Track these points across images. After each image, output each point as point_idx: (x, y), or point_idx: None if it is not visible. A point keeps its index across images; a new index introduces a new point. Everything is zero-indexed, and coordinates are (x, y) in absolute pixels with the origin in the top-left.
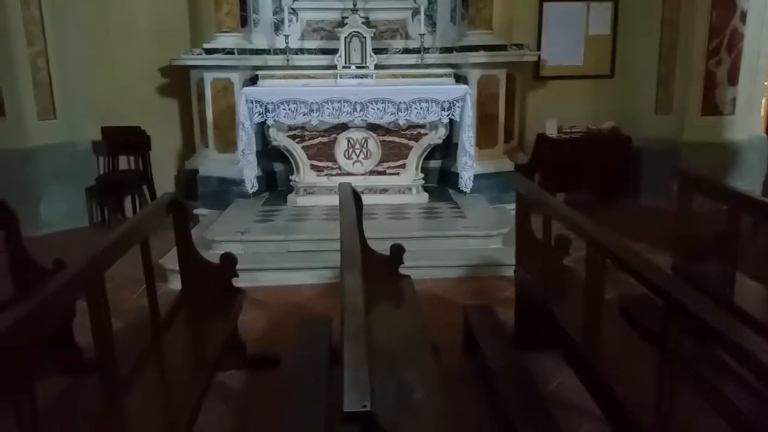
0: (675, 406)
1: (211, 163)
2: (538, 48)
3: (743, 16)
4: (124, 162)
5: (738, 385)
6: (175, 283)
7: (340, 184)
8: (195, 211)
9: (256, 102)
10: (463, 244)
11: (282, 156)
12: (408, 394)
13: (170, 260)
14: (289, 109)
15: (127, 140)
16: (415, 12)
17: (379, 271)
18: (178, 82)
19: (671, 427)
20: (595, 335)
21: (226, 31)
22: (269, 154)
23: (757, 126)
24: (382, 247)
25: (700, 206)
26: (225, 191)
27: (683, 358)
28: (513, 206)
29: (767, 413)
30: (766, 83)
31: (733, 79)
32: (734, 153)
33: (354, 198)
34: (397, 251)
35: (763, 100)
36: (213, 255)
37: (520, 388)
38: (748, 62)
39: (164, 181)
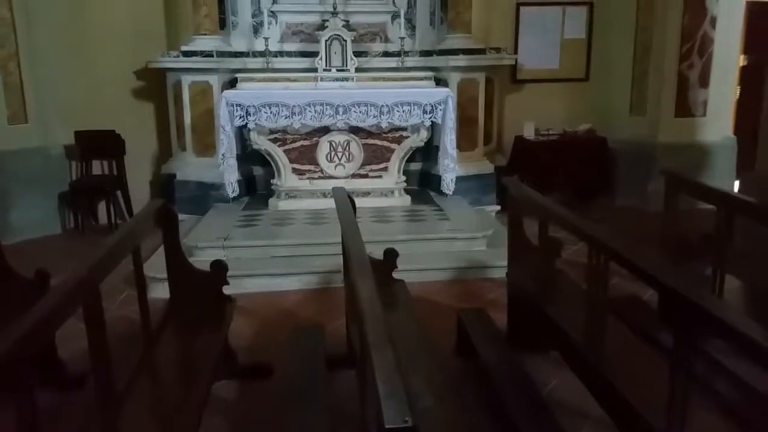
0: (683, 404)
1: (189, 168)
2: (515, 52)
3: (713, 22)
4: (97, 167)
5: (733, 381)
6: (158, 291)
7: (333, 188)
8: None
9: (237, 105)
10: (448, 246)
11: (261, 159)
12: (417, 401)
13: (151, 268)
14: (271, 113)
15: (101, 144)
16: (395, 15)
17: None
18: (154, 85)
19: (682, 425)
20: (596, 335)
21: (204, 34)
22: (248, 157)
23: (728, 127)
24: (369, 251)
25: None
26: (203, 196)
27: (687, 358)
28: (493, 208)
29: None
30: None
31: (704, 81)
32: (706, 154)
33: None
34: (391, 255)
35: (733, 103)
36: (195, 262)
37: (520, 391)
38: (717, 66)
39: (139, 186)
